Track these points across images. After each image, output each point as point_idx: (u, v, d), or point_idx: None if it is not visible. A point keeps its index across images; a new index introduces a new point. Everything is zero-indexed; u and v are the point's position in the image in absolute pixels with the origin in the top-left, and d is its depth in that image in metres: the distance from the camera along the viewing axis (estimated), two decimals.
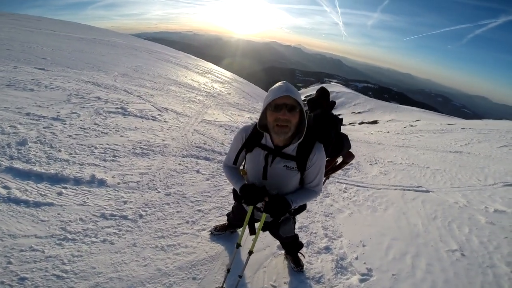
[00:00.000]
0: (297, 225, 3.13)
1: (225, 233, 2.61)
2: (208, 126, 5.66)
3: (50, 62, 7.48)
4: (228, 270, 1.87)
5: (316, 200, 3.98)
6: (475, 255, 3.30)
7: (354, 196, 4.51)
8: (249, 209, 1.75)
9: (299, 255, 2.47)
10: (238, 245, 1.83)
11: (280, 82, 1.47)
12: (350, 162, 2.25)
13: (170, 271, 2.11)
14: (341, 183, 4.99)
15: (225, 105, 8.36)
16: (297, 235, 2.33)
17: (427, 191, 5.30)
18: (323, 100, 1.92)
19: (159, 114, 5.38)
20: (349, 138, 1.96)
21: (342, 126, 1.95)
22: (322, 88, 1.98)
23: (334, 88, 67.14)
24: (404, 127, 19.24)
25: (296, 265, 2.40)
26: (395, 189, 5.19)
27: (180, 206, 2.90)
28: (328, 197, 4.23)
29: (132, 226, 2.44)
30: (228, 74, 17.69)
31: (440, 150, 9.72)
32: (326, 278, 2.44)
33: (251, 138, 1.62)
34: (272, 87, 1.48)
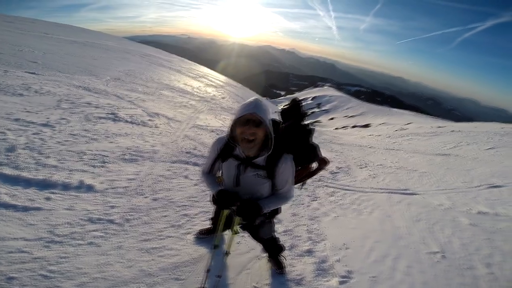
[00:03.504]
0: (282, 229, 3.21)
1: (210, 236, 2.67)
2: (199, 132, 5.72)
3: (41, 66, 7.49)
4: (208, 270, 1.95)
5: (303, 204, 4.07)
6: (455, 257, 3.33)
7: (340, 199, 4.60)
8: (223, 212, 1.88)
9: (281, 257, 2.55)
10: (215, 246, 1.93)
11: (251, 98, 1.61)
12: (326, 168, 2.35)
13: (153, 272, 2.17)
14: (329, 187, 5.09)
15: (218, 109, 8.44)
16: (277, 238, 2.41)
17: (413, 194, 5.43)
18: (294, 111, 2.02)
19: (150, 120, 5.43)
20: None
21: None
22: (294, 99, 2.08)
23: (327, 92, 67.68)
24: (395, 130, 19.51)
25: (278, 267, 2.48)
26: (382, 192, 5.29)
27: (167, 211, 2.96)
28: (316, 200, 4.32)
29: (118, 229, 2.49)
30: (222, 78, 17.80)
31: (428, 153, 9.92)
32: (307, 280, 2.51)
33: (225, 149, 1.74)
34: (243, 102, 1.61)
